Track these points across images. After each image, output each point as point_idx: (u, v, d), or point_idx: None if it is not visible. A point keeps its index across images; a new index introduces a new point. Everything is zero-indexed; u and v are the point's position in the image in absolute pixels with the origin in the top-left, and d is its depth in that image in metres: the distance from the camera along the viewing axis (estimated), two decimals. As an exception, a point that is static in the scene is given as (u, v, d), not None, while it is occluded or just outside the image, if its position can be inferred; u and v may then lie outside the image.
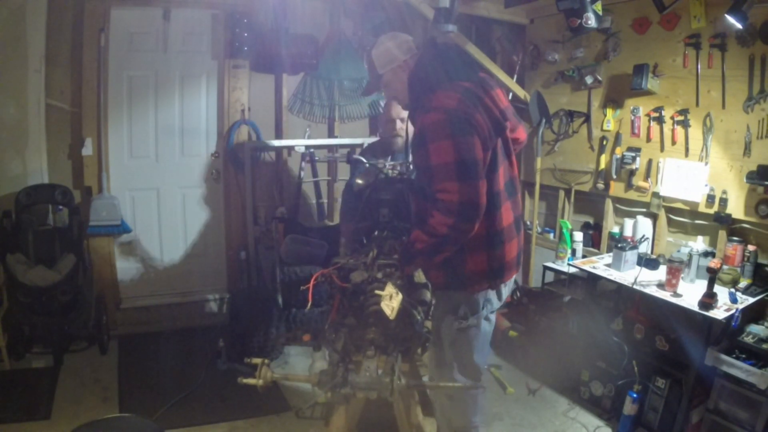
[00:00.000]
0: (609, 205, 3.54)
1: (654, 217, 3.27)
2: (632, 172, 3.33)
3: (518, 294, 3.74)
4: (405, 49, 2.13)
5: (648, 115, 3.23)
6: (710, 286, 2.55)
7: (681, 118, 3.05)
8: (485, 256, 2.07)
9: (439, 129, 1.90)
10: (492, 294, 2.15)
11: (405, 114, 2.82)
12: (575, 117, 3.63)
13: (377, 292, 1.81)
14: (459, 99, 1.92)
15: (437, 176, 1.91)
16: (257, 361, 1.77)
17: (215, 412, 2.95)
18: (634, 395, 2.73)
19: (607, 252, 3.42)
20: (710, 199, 2.96)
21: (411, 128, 2.22)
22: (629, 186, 3.37)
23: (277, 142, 4.12)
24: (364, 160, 3.10)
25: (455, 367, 2.18)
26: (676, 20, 3.03)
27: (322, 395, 1.69)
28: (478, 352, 2.20)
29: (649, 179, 3.26)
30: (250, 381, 1.74)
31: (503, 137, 2.07)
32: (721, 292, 2.62)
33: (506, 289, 2.23)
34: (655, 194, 3.22)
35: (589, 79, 3.50)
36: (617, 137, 3.42)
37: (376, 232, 2.41)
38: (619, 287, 2.95)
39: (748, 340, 2.51)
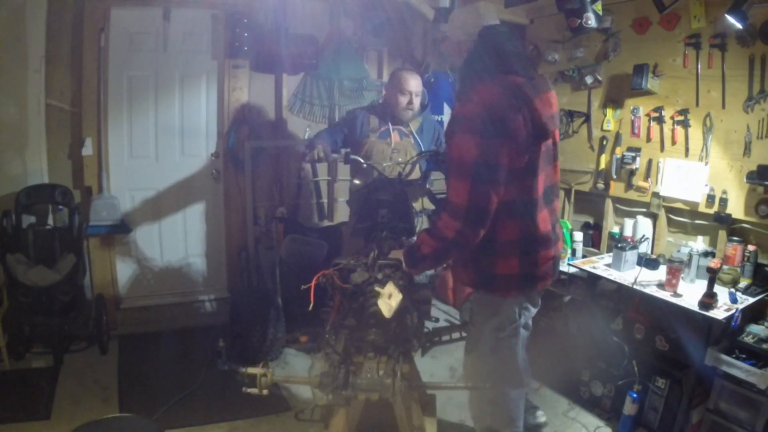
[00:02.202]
0: (609, 205, 3.54)
1: (654, 217, 3.27)
2: (632, 172, 3.33)
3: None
4: (469, 29, 2.02)
5: (648, 115, 3.23)
6: (710, 286, 2.55)
7: (681, 118, 3.06)
8: (516, 261, 2.01)
9: (469, 122, 1.84)
10: (526, 301, 2.13)
11: (419, 89, 3.02)
12: (575, 117, 3.63)
13: (376, 288, 1.81)
14: (501, 96, 1.86)
15: (452, 172, 1.86)
16: (255, 371, 1.76)
17: (215, 412, 2.95)
18: (634, 395, 2.74)
19: (607, 252, 3.42)
20: (710, 199, 2.96)
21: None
22: (629, 186, 3.38)
23: (277, 142, 4.12)
24: (362, 161, 3.11)
25: (500, 376, 2.14)
26: (676, 20, 3.03)
27: (322, 398, 1.69)
28: (521, 358, 2.20)
29: (649, 179, 3.26)
30: (252, 390, 1.74)
31: (548, 142, 2.01)
32: (721, 292, 2.62)
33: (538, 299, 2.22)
34: (655, 194, 3.22)
35: (589, 79, 3.50)
36: (617, 137, 3.42)
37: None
38: (619, 287, 2.95)
39: (748, 340, 2.51)
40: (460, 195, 1.83)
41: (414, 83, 3.14)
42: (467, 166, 1.82)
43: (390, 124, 3.23)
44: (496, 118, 1.83)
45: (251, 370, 1.76)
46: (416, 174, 3.06)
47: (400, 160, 3.17)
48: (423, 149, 3.24)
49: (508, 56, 1.97)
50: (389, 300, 1.75)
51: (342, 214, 4.14)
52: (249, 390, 1.75)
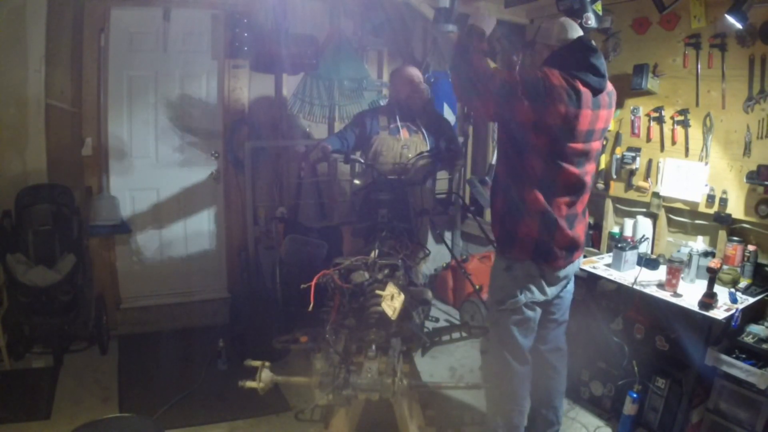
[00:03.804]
0: (609, 205, 3.54)
1: (654, 217, 3.27)
2: (632, 172, 3.33)
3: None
4: (559, 38, 2.28)
5: (648, 115, 3.23)
6: (710, 286, 2.55)
7: (681, 118, 3.06)
8: (537, 227, 2.27)
9: (527, 79, 2.15)
10: (530, 281, 2.34)
11: (421, 78, 3.24)
12: (575, 117, 3.63)
13: (378, 292, 1.81)
14: (561, 81, 2.12)
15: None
16: (257, 363, 1.77)
17: (215, 412, 2.95)
18: (634, 395, 2.74)
19: (607, 252, 3.42)
20: (710, 199, 2.96)
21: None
22: (629, 186, 3.38)
23: (277, 142, 4.12)
24: (362, 160, 3.11)
25: (501, 345, 2.42)
26: (676, 20, 3.03)
27: (322, 398, 1.69)
28: (522, 334, 2.41)
29: (649, 179, 3.26)
30: (251, 384, 1.75)
31: (587, 146, 2.25)
32: (721, 292, 2.62)
33: (553, 290, 2.41)
34: (655, 194, 3.22)
35: (589, 79, 3.50)
36: (617, 137, 3.42)
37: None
38: (619, 287, 2.95)
39: (748, 340, 2.51)
40: (496, 82, 2.16)
41: (415, 72, 3.27)
42: (511, 83, 2.15)
43: (399, 120, 3.25)
44: (544, 85, 2.11)
45: (253, 363, 1.77)
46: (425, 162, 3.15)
47: (409, 155, 3.19)
48: (432, 144, 3.27)
49: (586, 67, 2.18)
50: (392, 301, 1.76)
51: (342, 214, 4.14)
52: (247, 384, 1.75)
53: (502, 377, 2.45)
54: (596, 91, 2.20)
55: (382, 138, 3.25)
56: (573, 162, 2.24)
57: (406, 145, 3.25)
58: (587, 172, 2.33)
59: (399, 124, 3.26)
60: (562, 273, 2.40)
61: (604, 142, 3.48)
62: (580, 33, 2.31)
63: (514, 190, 2.31)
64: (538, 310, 2.44)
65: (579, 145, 2.22)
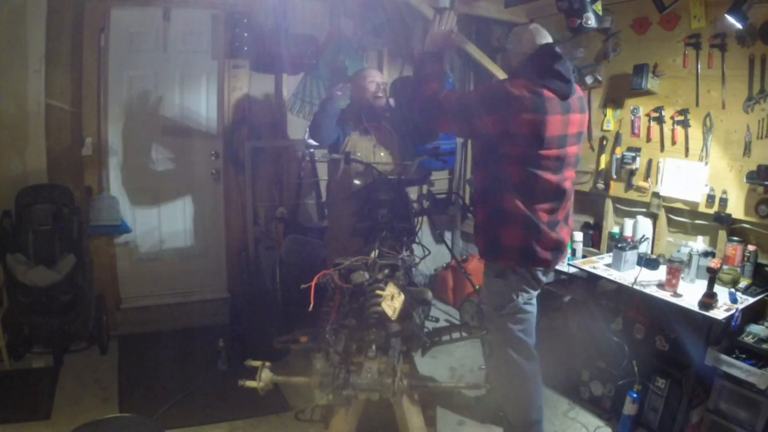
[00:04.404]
0: (609, 205, 3.54)
1: (654, 217, 3.27)
2: (632, 172, 3.33)
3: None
4: (531, 45, 2.33)
5: (648, 115, 3.23)
6: (710, 286, 2.55)
7: (681, 118, 3.06)
8: (518, 235, 2.32)
9: (484, 90, 2.39)
10: (523, 283, 2.40)
11: (383, 79, 3.23)
12: (575, 117, 3.63)
13: (378, 292, 1.82)
14: (522, 90, 2.17)
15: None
16: (257, 363, 1.77)
17: (215, 412, 2.95)
18: (634, 395, 2.74)
19: (607, 252, 3.42)
20: (710, 199, 2.96)
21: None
22: (629, 186, 3.38)
23: (277, 142, 4.12)
24: (362, 161, 3.11)
25: (508, 346, 2.45)
26: (676, 20, 3.03)
27: (322, 398, 1.69)
28: (522, 332, 2.46)
29: (649, 179, 3.26)
30: (251, 384, 1.75)
31: (561, 152, 2.28)
32: (721, 292, 2.63)
33: (546, 277, 2.49)
34: (655, 194, 3.22)
35: (589, 79, 3.50)
36: (617, 137, 3.42)
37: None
38: (619, 287, 2.95)
39: (748, 340, 2.51)
40: (450, 101, 2.31)
41: (375, 73, 3.25)
42: (464, 103, 2.31)
43: (366, 121, 3.23)
44: (502, 101, 2.18)
45: (253, 363, 1.77)
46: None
47: (382, 154, 3.19)
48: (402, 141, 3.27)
49: (551, 74, 2.22)
50: (392, 302, 1.76)
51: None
52: (246, 383, 1.75)
53: (513, 378, 2.48)
54: (564, 96, 2.23)
55: (354, 139, 3.22)
56: (549, 168, 2.27)
57: (378, 144, 3.25)
58: (566, 178, 2.36)
59: (367, 125, 3.25)
60: (548, 275, 2.50)
61: (603, 144, 3.50)
62: (549, 39, 2.35)
63: (494, 199, 2.36)
64: (535, 304, 2.52)
65: (552, 152, 2.24)
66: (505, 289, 2.41)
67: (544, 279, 2.48)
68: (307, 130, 3.57)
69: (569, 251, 3.45)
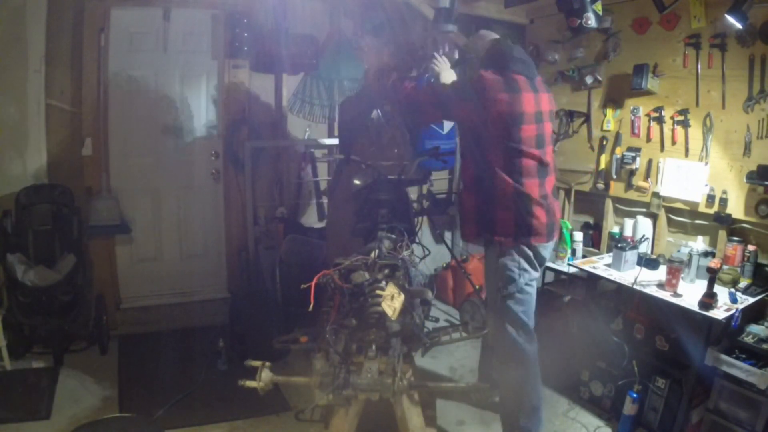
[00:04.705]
0: (609, 205, 3.54)
1: (654, 217, 3.27)
2: (632, 172, 3.33)
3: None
4: (484, 46, 2.57)
5: (648, 115, 3.23)
6: (710, 286, 2.55)
7: (681, 118, 3.06)
8: (511, 213, 2.41)
9: (457, 83, 2.59)
10: (524, 262, 2.46)
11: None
12: (575, 117, 3.63)
13: (378, 292, 1.82)
14: (495, 75, 2.37)
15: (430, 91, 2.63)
16: (257, 363, 1.77)
17: (215, 412, 2.95)
18: (634, 395, 2.74)
19: (607, 252, 3.42)
20: (710, 199, 2.96)
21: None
22: (629, 186, 3.38)
23: (277, 142, 4.12)
24: (363, 161, 3.11)
25: (511, 326, 2.50)
26: (676, 20, 3.03)
27: (322, 398, 1.69)
28: (524, 314, 2.51)
29: (649, 179, 3.26)
30: (251, 384, 1.75)
31: (540, 128, 2.44)
32: (721, 292, 2.62)
33: (545, 252, 2.54)
34: (655, 194, 3.22)
35: (589, 79, 3.50)
36: (617, 137, 3.42)
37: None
38: (619, 287, 2.96)
39: (748, 340, 2.51)
40: (422, 96, 2.58)
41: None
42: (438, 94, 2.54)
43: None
44: (480, 88, 2.36)
45: (254, 363, 1.77)
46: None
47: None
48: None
49: (514, 60, 2.43)
50: (392, 302, 1.76)
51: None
52: (247, 383, 1.75)
53: (517, 361, 2.51)
54: (530, 76, 2.44)
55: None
56: (531, 145, 2.40)
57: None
58: (547, 152, 2.48)
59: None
60: (547, 249, 2.55)
61: (603, 144, 3.50)
62: (496, 37, 2.58)
63: (484, 184, 2.45)
64: (535, 287, 2.57)
65: (531, 127, 2.40)
66: (505, 269, 2.47)
67: (545, 255, 2.54)
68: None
69: (569, 251, 3.46)
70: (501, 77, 2.36)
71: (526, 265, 2.47)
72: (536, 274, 2.55)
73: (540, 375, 2.59)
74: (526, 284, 2.50)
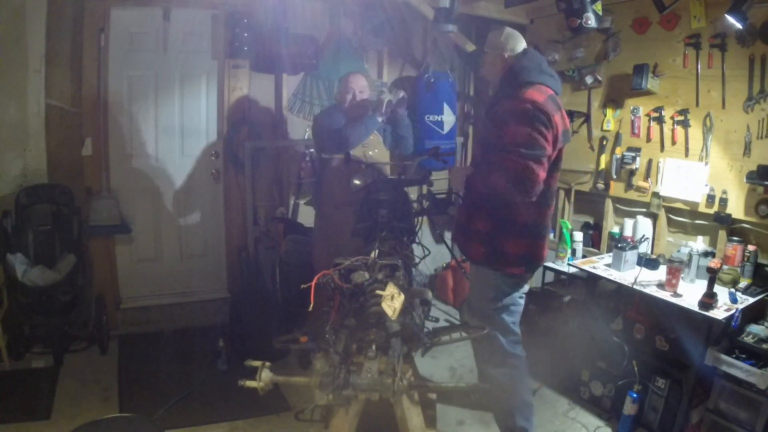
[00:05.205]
0: (609, 205, 3.54)
1: (654, 217, 3.28)
2: (632, 172, 3.33)
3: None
4: (509, 47, 2.39)
5: (648, 115, 3.23)
6: (710, 286, 2.55)
7: (681, 118, 3.06)
8: (526, 243, 2.37)
9: (522, 116, 2.19)
10: (523, 282, 2.48)
11: (363, 86, 3.21)
12: (575, 117, 3.63)
13: (378, 292, 1.81)
14: (546, 98, 2.21)
15: (510, 150, 2.19)
16: (257, 363, 1.77)
17: (215, 412, 2.95)
18: (634, 395, 2.74)
19: (607, 252, 3.42)
20: (710, 199, 2.96)
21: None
22: (629, 186, 3.38)
23: (277, 142, 4.12)
24: (363, 161, 3.10)
25: (498, 334, 2.48)
26: (676, 20, 3.03)
27: (322, 398, 1.69)
28: (515, 324, 2.53)
29: (649, 179, 3.26)
30: (251, 384, 1.74)
31: (562, 151, 2.37)
32: (721, 292, 2.63)
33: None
34: (655, 194, 3.22)
35: (589, 79, 3.51)
36: (617, 137, 3.42)
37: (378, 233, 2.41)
38: (619, 287, 2.96)
39: (748, 340, 2.51)
40: (511, 161, 2.17)
41: (353, 80, 3.22)
42: (521, 146, 2.17)
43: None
44: (543, 112, 2.18)
45: (254, 363, 1.77)
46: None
47: (371, 153, 3.20)
48: (388, 141, 3.30)
49: (546, 73, 2.32)
50: (392, 302, 1.76)
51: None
52: (247, 383, 1.75)
53: (509, 365, 2.53)
54: (557, 92, 2.36)
55: None
56: (557, 168, 2.39)
57: (366, 144, 3.26)
58: (557, 176, 2.46)
59: None
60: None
61: (603, 144, 3.50)
62: (524, 43, 2.44)
63: (504, 211, 2.34)
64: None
65: (563, 149, 2.36)
66: (501, 285, 2.45)
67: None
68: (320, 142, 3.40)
69: (569, 251, 3.46)
70: (545, 96, 2.22)
71: (521, 283, 2.51)
72: (527, 287, 2.59)
73: (527, 370, 2.62)
74: (520, 297, 2.53)
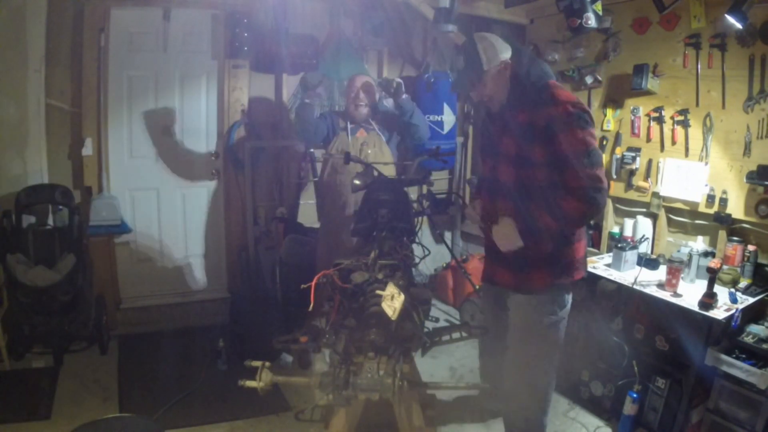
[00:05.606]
0: (609, 205, 3.54)
1: (654, 217, 3.28)
2: (632, 172, 3.33)
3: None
4: (505, 51, 2.21)
5: (648, 115, 3.23)
6: (710, 286, 2.55)
7: (681, 118, 3.06)
8: (584, 244, 2.35)
9: (570, 120, 2.05)
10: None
11: (368, 86, 3.25)
12: (575, 117, 3.63)
13: (378, 292, 1.81)
14: (566, 91, 2.12)
15: (571, 164, 2.04)
16: (257, 363, 1.77)
17: (215, 412, 2.95)
18: (634, 395, 2.74)
19: (607, 252, 3.42)
20: (710, 199, 2.96)
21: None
22: (629, 186, 3.38)
23: (277, 142, 4.12)
24: (363, 161, 3.11)
25: (534, 369, 2.38)
26: (676, 20, 3.03)
27: (322, 398, 1.69)
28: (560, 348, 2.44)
29: (649, 179, 3.26)
30: (251, 384, 1.74)
31: None
32: (721, 292, 2.63)
33: None
34: (655, 194, 3.22)
35: (589, 79, 3.51)
36: (617, 137, 3.42)
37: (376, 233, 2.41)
38: (619, 287, 2.95)
39: (748, 340, 2.51)
40: (584, 179, 2.03)
41: (358, 81, 3.29)
42: (583, 156, 2.04)
43: (350, 123, 3.33)
44: (584, 110, 2.10)
45: (254, 363, 1.77)
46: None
47: (369, 151, 3.22)
48: (389, 140, 3.34)
49: (543, 66, 2.27)
50: (392, 302, 1.76)
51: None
52: (247, 383, 1.75)
53: (550, 371, 2.51)
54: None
55: (342, 138, 3.31)
56: None
57: (366, 142, 3.29)
58: None
59: (351, 125, 3.33)
60: None
61: (603, 144, 3.50)
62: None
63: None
64: None
65: None
66: (560, 293, 2.35)
67: None
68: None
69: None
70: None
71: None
72: None
73: (551, 390, 2.59)
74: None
